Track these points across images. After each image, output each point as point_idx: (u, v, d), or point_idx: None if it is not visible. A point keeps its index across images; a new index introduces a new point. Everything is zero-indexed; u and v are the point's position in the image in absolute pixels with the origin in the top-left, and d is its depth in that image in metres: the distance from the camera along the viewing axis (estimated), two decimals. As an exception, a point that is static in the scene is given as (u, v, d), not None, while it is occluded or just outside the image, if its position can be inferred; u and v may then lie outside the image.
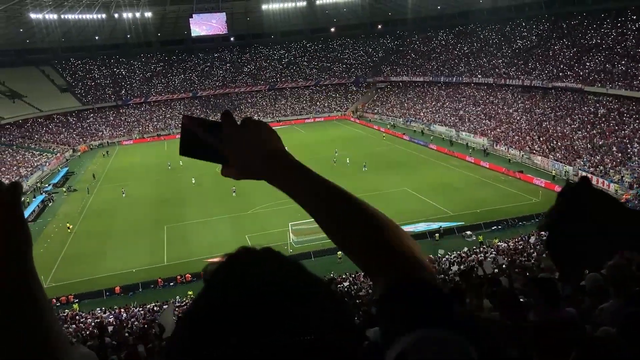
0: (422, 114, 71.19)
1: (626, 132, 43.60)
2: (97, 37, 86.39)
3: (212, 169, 53.08)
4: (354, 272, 26.08)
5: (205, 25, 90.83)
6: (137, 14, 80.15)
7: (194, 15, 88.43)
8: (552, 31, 67.18)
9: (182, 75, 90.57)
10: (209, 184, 47.63)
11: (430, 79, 78.18)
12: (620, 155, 40.65)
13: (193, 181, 48.00)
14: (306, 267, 0.76)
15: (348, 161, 50.64)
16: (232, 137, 1.05)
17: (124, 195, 45.97)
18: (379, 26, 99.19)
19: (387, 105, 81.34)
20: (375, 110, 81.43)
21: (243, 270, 0.72)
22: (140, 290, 28.47)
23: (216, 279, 0.71)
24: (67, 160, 65.06)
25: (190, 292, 25.87)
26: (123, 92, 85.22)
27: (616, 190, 36.31)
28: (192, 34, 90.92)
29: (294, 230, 32.99)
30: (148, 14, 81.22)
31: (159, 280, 28.74)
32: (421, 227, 33.88)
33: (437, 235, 32.24)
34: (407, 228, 33.64)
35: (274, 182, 1.07)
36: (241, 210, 39.28)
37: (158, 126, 79.92)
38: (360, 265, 0.98)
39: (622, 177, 37.56)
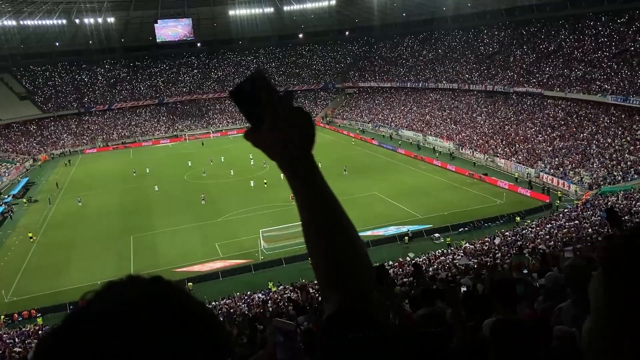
0: (390, 119, 72.11)
1: (584, 134, 45.22)
2: (57, 44, 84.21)
3: (179, 176, 52.51)
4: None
5: (171, 30, 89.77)
6: (100, 20, 78.56)
7: (159, 20, 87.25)
8: (513, 38, 69.20)
9: (147, 82, 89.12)
10: (177, 191, 46.97)
11: (398, 84, 79.31)
12: (579, 157, 42.11)
13: (156, 189, 47.33)
14: (190, 295, 0.73)
15: (320, 166, 50.68)
16: (289, 113, 1.06)
17: (80, 204, 45.11)
18: (347, 33, 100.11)
19: (356, 110, 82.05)
20: (345, 116, 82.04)
21: (115, 303, 0.68)
22: (106, 302, 27.75)
23: (86, 308, 0.69)
24: (27, 170, 63.01)
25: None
26: (86, 99, 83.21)
27: (576, 191, 37.61)
28: (158, 40, 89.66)
29: (265, 237, 32.87)
30: (111, 20, 79.69)
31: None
32: (391, 230, 34.28)
33: (406, 238, 32.66)
34: (378, 232, 34.02)
35: (286, 171, 1.10)
36: (211, 218, 38.87)
37: (123, 134, 78.35)
38: (320, 280, 1.06)
39: (582, 178, 38.91)
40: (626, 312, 0.62)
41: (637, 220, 22.87)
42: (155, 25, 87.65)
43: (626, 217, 24.62)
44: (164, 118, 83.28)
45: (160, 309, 0.66)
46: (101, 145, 74.82)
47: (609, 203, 30.46)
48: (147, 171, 55.17)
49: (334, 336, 0.98)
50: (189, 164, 56.82)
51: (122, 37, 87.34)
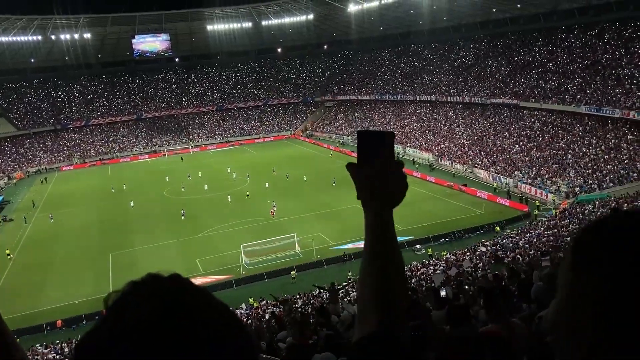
0: (369, 132, 72.48)
1: (560, 144, 46.11)
2: (32, 60, 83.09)
3: (158, 192, 51.85)
4: (308, 291, 25.94)
5: (149, 46, 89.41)
6: (76, 35, 77.82)
7: (136, 36, 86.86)
8: (488, 50, 70.59)
9: (125, 98, 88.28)
10: (156, 207, 46.35)
11: (376, 97, 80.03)
12: (556, 166, 42.87)
13: (132, 204, 46.81)
14: (213, 295, 0.76)
15: (305, 179, 51.17)
16: (397, 172, 1.24)
17: (51, 220, 44.38)
18: (325, 46, 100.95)
19: (335, 123, 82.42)
20: (325, 129, 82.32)
21: (144, 298, 0.71)
22: (84, 322, 27.01)
23: (117, 307, 0.70)
24: (1, 188, 61.56)
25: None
26: (62, 115, 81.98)
27: (553, 200, 38.20)
28: (135, 55, 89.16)
29: (246, 252, 32.56)
30: (87, 35, 79.02)
31: (104, 311, 27.41)
32: (372, 243, 34.23)
33: (388, 250, 32.63)
34: (359, 244, 33.95)
35: (371, 211, 1.26)
36: (191, 233, 38.39)
37: (100, 150, 77.25)
38: (365, 302, 1.22)
39: (559, 187, 39.57)
40: (591, 293, 0.64)
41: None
42: (133, 40, 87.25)
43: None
44: (142, 134, 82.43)
45: (191, 315, 0.68)
46: (78, 162, 73.61)
47: (586, 211, 31.02)
48: (124, 187, 54.39)
49: (366, 356, 1.09)
50: (167, 180, 56.24)
51: (99, 53, 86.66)
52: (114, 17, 78.78)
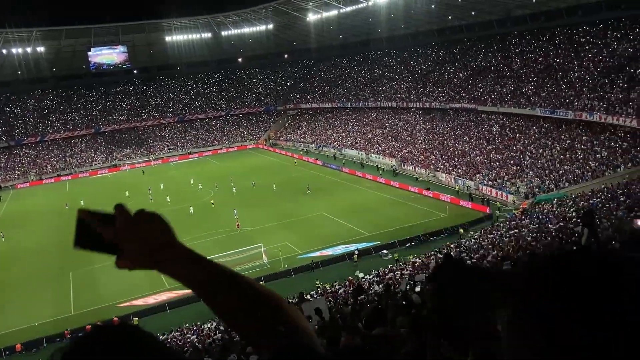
0: (333, 139, 72.99)
1: (518, 146, 47.54)
2: (-18, 74, 79.91)
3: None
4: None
5: (105, 58, 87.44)
6: (29, 49, 75.26)
7: (92, 48, 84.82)
8: (446, 56, 72.32)
9: (82, 111, 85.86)
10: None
11: (338, 105, 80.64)
12: (514, 168, 44.14)
13: None
14: (162, 343, 0.75)
15: (274, 188, 50.92)
16: (125, 229, 1.09)
17: (2, 239, 42.75)
18: (286, 55, 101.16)
19: (299, 132, 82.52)
20: (288, 137, 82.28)
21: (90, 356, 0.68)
22: (44, 345, 25.94)
23: None
24: (-49, 209, 58.64)
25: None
26: (16, 132, 79.00)
27: (513, 200, 39.28)
28: (92, 68, 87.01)
29: (212, 264, 32.02)
30: (41, 49, 76.56)
31: (66, 332, 26.45)
32: (340, 249, 34.36)
33: (355, 256, 32.80)
34: (326, 252, 34.01)
35: (164, 271, 1.12)
36: (154, 248, 37.46)
37: (57, 166, 74.77)
38: (240, 334, 1.13)
39: (518, 188, 40.74)
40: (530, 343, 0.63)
41: (571, 226, 24.07)
42: (89, 53, 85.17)
43: (561, 224, 25.94)
44: (101, 147, 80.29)
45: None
46: (34, 179, 70.97)
47: (545, 210, 32.01)
48: (82, 203, 52.70)
49: None
50: (127, 194, 54.91)
51: (54, 66, 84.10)
52: (68, 29, 76.68)
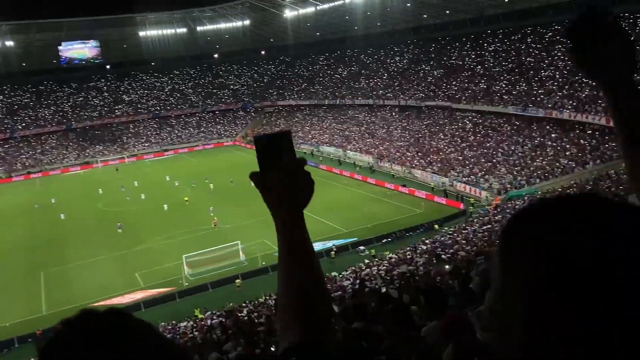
0: (310, 136, 73.04)
1: (491, 143, 48.40)
2: (-53, 69, 77.35)
3: (92, 205, 49.62)
4: (254, 299, 25.72)
5: (77, 53, 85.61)
6: (-4, 43, 73.23)
7: (63, 43, 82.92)
8: (421, 54, 73.07)
9: (53, 107, 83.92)
10: (91, 221, 44.39)
11: (316, 102, 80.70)
12: (488, 164, 44.95)
13: (62, 217, 44.87)
14: (156, 327, 0.72)
15: (252, 184, 50.51)
16: (299, 174, 1.21)
17: None
18: (262, 52, 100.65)
19: (276, 129, 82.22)
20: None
21: (81, 339, 0.65)
22: (16, 345, 25.42)
23: (52, 351, 0.65)
24: None
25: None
26: (-17, 128, 76.80)
27: (486, 196, 40.01)
28: (62, 63, 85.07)
29: (189, 262, 31.82)
30: (9, 43, 74.53)
31: (38, 332, 25.92)
32: (317, 246, 34.39)
33: (332, 253, 32.97)
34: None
35: (277, 223, 1.22)
36: (129, 247, 37.02)
37: (28, 163, 72.91)
38: (284, 311, 1.20)
39: (491, 184, 41.49)
40: (520, 277, 0.63)
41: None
42: (60, 47, 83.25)
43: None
44: (73, 144, 78.64)
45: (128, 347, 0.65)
46: (3, 177, 69.07)
47: (517, 206, 32.71)
48: (53, 202, 51.62)
49: None
50: (100, 192, 54.02)
51: (23, 61, 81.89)
52: (39, 23, 74.70)
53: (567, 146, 41.89)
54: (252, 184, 1.25)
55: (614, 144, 38.92)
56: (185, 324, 23.70)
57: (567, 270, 0.59)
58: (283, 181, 1.19)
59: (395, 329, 4.84)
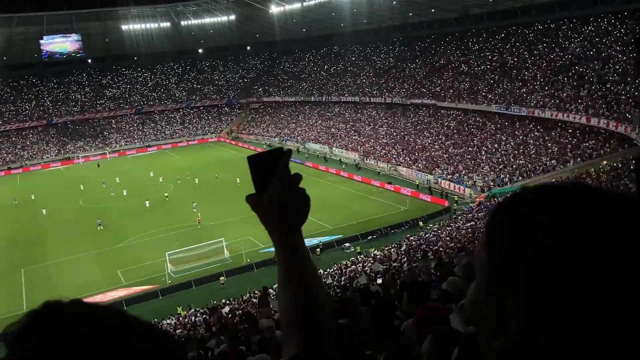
0: (296, 133, 72.88)
1: (475, 141, 48.82)
2: None
3: (73, 201, 48.92)
4: (238, 296, 25.62)
5: (58, 47, 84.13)
6: (-25, 35, 71.64)
7: (44, 37, 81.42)
8: (407, 52, 73.32)
9: (33, 102, 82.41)
10: (71, 217, 43.76)
11: (302, 98, 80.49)
12: (471, 162, 45.34)
13: (44, 212, 44.49)
14: (126, 311, 0.68)
15: (237, 181, 50.17)
16: (294, 193, 1.19)
17: None
18: (248, 47, 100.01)
19: (262, 125, 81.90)
20: (251, 131, 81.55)
21: (48, 328, 0.62)
22: (-6, 345, 24.99)
23: (18, 340, 0.62)
24: None
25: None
26: (-39, 122, 75.18)
27: (470, 194, 40.37)
28: (44, 57, 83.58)
29: (172, 259, 31.57)
30: (-11, 36, 73.01)
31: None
32: (302, 243, 34.40)
33: (318, 250, 32.99)
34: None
35: (276, 242, 1.21)
36: (111, 243, 36.59)
37: (8, 159, 71.62)
38: (286, 321, 1.21)
39: (475, 182, 41.88)
40: (508, 268, 0.62)
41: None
42: (41, 41, 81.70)
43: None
44: (53, 140, 77.40)
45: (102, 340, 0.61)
46: (-19, 172, 67.76)
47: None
48: (33, 198, 50.79)
49: None
50: (82, 188, 53.27)
51: (4, 55, 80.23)
52: (19, 17, 73.15)
53: (549, 145, 42.44)
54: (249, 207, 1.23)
55: (593, 142, 39.62)
56: (168, 321, 23.52)
57: (563, 269, 0.57)
58: (278, 203, 1.18)
59: (377, 324, 4.84)
